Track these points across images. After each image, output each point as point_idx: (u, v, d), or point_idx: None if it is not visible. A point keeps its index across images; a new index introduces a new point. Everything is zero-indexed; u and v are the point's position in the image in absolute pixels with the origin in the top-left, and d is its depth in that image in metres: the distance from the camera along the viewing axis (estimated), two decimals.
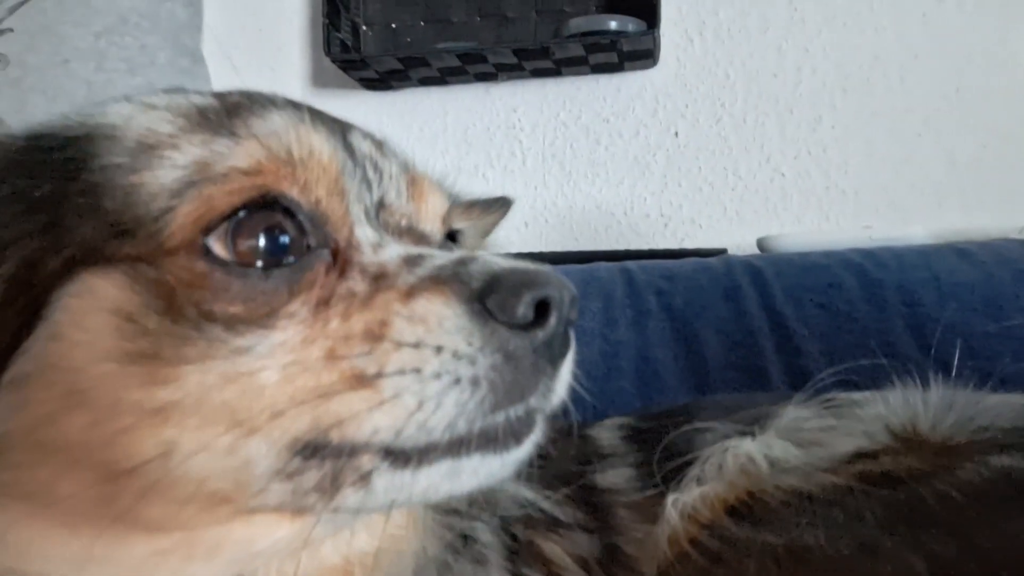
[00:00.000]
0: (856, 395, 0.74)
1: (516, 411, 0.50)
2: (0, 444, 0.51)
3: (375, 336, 0.49)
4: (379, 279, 0.52)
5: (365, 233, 0.55)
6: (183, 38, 2.07)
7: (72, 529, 0.51)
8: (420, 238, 0.59)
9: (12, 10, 2.03)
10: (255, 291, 0.50)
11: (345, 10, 2.29)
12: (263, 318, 0.50)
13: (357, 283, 0.52)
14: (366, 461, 0.48)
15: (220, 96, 0.58)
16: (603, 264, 1.58)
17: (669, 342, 1.36)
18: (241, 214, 0.51)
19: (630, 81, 2.24)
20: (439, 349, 0.48)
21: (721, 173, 2.19)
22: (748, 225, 2.14)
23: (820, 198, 2.14)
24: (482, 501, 0.66)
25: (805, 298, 1.36)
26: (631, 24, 2.05)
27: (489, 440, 0.50)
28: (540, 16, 2.25)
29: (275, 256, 0.52)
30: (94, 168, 0.53)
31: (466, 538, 0.64)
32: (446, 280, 0.50)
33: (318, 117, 0.59)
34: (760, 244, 1.80)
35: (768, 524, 0.57)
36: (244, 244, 0.51)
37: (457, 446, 0.49)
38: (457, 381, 0.48)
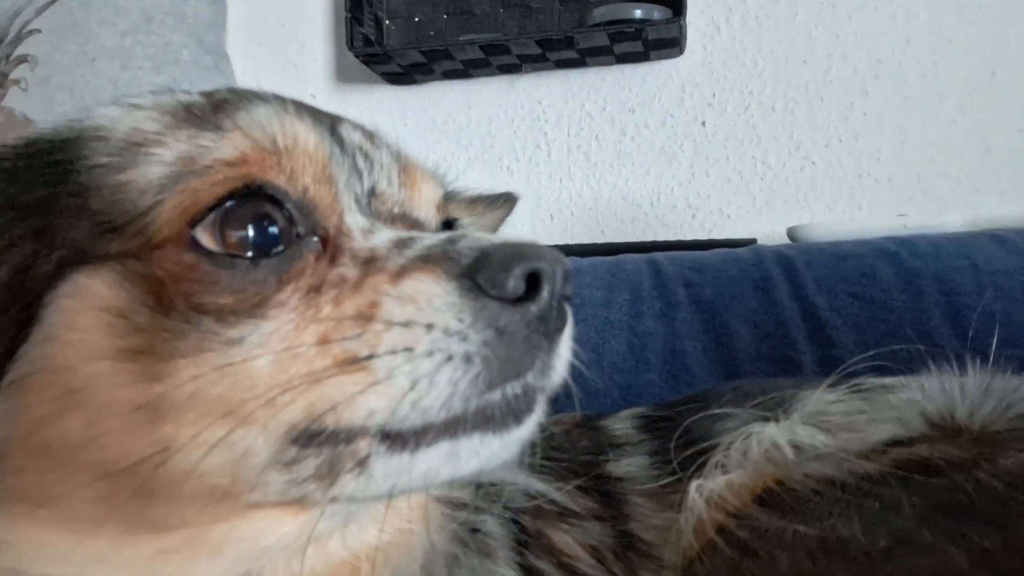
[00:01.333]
0: (886, 380, 0.72)
1: (513, 388, 0.49)
2: (1, 449, 0.51)
3: (366, 318, 0.48)
4: (369, 263, 0.51)
5: (356, 220, 0.55)
6: (207, 35, 2.07)
7: (75, 531, 0.50)
8: (413, 224, 0.59)
9: (40, 11, 2.04)
10: (244, 281, 0.50)
11: (368, 4, 2.28)
12: (254, 308, 0.49)
13: (348, 269, 0.51)
14: (363, 445, 0.48)
15: (207, 94, 0.58)
16: (630, 256, 1.56)
17: (698, 334, 1.34)
18: (228, 204, 0.51)
19: (656, 70, 2.21)
20: (430, 327, 0.47)
21: (750, 162, 2.15)
22: (778, 215, 2.11)
23: (852, 187, 2.09)
24: (491, 493, 0.64)
25: (838, 288, 1.33)
26: (657, 12, 2.02)
27: (487, 419, 0.49)
28: (563, 6, 2.23)
29: (264, 246, 0.51)
30: (82, 169, 0.53)
31: (474, 531, 0.63)
32: (435, 259, 0.50)
33: (304, 109, 0.58)
34: (791, 234, 1.76)
35: (800, 514, 0.55)
36: (232, 235, 0.51)
37: (454, 426, 0.48)
38: (449, 358, 0.47)
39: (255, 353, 0.48)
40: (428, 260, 0.50)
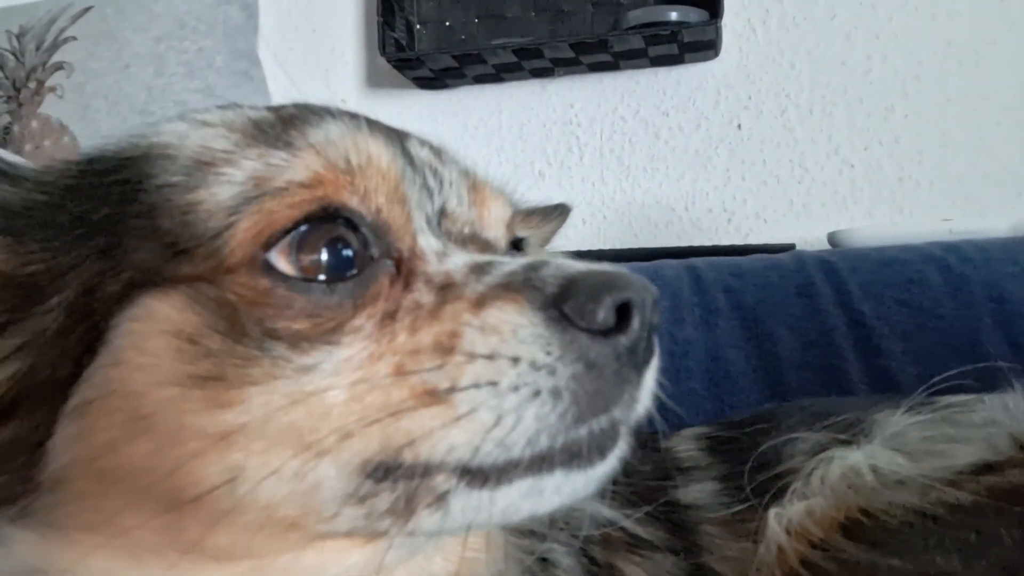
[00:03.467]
0: (965, 398, 0.69)
1: (600, 423, 0.47)
2: (65, 474, 0.50)
3: (446, 349, 0.46)
4: (446, 289, 0.49)
5: (428, 242, 0.53)
6: (239, 41, 2.08)
7: (136, 559, 0.49)
8: (484, 246, 0.57)
9: (75, 18, 2.06)
10: (319, 306, 0.48)
11: (399, 9, 2.27)
12: (328, 334, 0.47)
13: (423, 294, 0.50)
14: (441, 481, 0.46)
15: (275, 109, 0.57)
16: (667, 261, 1.53)
17: (740, 341, 1.31)
18: (303, 228, 0.49)
19: (691, 73, 2.18)
20: (516, 360, 0.45)
21: (787, 166, 2.11)
22: (816, 219, 2.07)
23: (892, 190, 2.05)
24: (560, 522, 0.62)
25: (885, 295, 1.29)
26: (693, 14, 2.00)
27: (572, 455, 0.47)
28: (596, 9, 2.21)
29: (338, 270, 0.49)
30: (150, 189, 0.52)
31: (544, 561, 0.60)
32: (518, 287, 0.47)
33: (376, 125, 0.56)
34: (831, 239, 1.73)
35: (891, 547, 0.52)
36: (307, 258, 0.49)
37: (539, 463, 0.46)
38: (537, 393, 0.45)
39: (329, 382, 0.46)
40: (510, 288, 0.47)
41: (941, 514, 0.53)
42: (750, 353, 1.29)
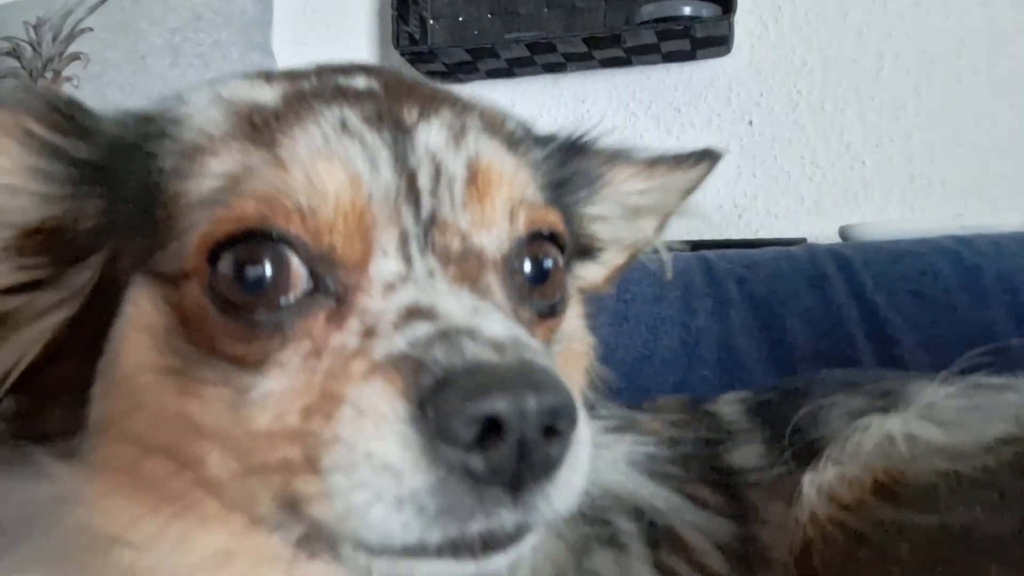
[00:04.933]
0: (1002, 378, 0.69)
1: (477, 526, 0.43)
2: (99, 422, 0.52)
3: (328, 417, 0.44)
4: (367, 336, 0.46)
5: (384, 269, 0.48)
6: (254, 34, 2.09)
7: (155, 508, 0.51)
8: (476, 261, 0.51)
9: (91, 10, 2.07)
10: (251, 334, 0.47)
11: (413, 3, 2.28)
12: (257, 363, 0.47)
13: (350, 337, 0.46)
14: (338, 539, 0.45)
15: (292, 79, 0.55)
16: (679, 253, 1.54)
17: (753, 331, 1.32)
18: (243, 244, 0.48)
19: (702, 69, 2.19)
20: (369, 456, 0.42)
21: (798, 162, 2.12)
22: (827, 216, 2.07)
23: (904, 188, 2.05)
24: (619, 503, 0.62)
25: (898, 286, 1.30)
26: (705, 9, 2.00)
27: (456, 548, 0.44)
28: (609, 4, 2.22)
29: (275, 298, 0.48)
30: (153, 170, 0.52)
31: (606, 525, 0.60)
32: (409, 365, 0.43)
33: (370, 121, 0.52)
34: (843, 233, 1.73)
35: (919, 505, 0.52)
36: (243, 282, 0.47)
37: (411, 551, 0.44)
38: (379, 498, 0.42)
39: (255, 411, 0.46)
40: (402, 364, 0.43)
41: (967, 475, 0.53)
42: (762, 342, 1.30)
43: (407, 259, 0.49)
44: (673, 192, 0.76)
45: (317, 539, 0.46)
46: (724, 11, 1.99)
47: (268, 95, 0.54)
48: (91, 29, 2.04)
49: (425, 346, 0.43)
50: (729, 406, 0.82)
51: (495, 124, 0.59)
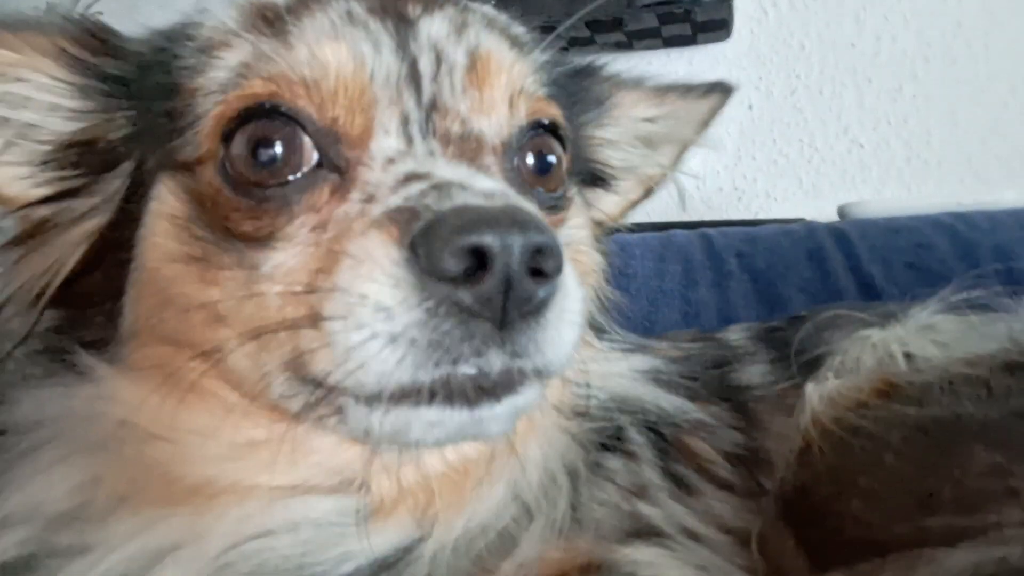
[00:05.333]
0: (1001, 303, 0.71)
1: (465, 369, 0.44)
2: (133, 327, 0.56)
3: (329, 273, 0.46)
4: (368, 202, 0.48)
5: (385, 146, 0.51)
6: None
7: (184, 403, 0.53)
8: (475, 143, 0.53)
9: None
10: (261, 210, 0.50)
11: None
12: (266, 238, 0.50)
13: (353, 206, 0.49)
14: (340, 396, 0.47)
15: None
16: (680, 230, 1.56)
17: (752, 303, 1.34)
18: (253, 123, 0.51)
19: (702, 54, 2.22)
20: (363, 298, 0.44)
21: (797, 145, 2.15)
22: (825, 198, 2.10)
23: (901, 169, 2.08)
24: (620, 406, 0.64)
25: (893, 258, 1.32)
26: None
27: (450, 394, 0.45)
28: None
29: (284, 174, 0.50)
30: (173, 70, 0.55)
31: (618, 437, 0.62)
32: (403, 215, 0.45)
33: (379, 10, 0.55)
34: (841, 212, 1.76)
35: (913, 401, 0.55)
36: (253, 160, 0.50)
37: (408, 396, 0.45)
38: (375, 336, 0.43)
39: (266, 285, 0.49)
40: (396, 215, 0.45)
41: (959, 376, 0.56)
42: (761, 313, 1.32)
43: (408, 139, 0.52)
44: (686, 123, 0.78)
45: (321, 402, 0.48)
46: None
47: None
48: (101, 13, 2.06)
49: (419, 197, 0.46)
50: (736, 333, 0.85)
51: (497, 21, 0.62)
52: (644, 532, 0.55)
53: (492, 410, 0.46)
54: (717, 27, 2.10)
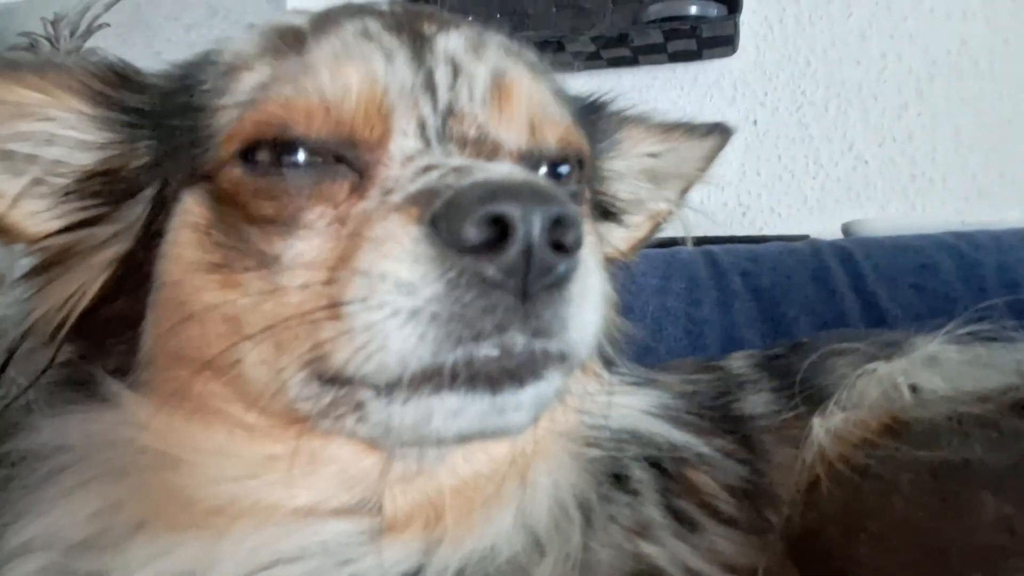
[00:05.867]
0: (1007, 335, 0.71)
1: (487, 350, 0.44)
2: (153, 352, 0.56)
3: (349, 261, 0.46)
4: (387, 194, 0.48)
5: (404, 146, 0.51)
6: None
7: (204, 425, 0.54)
8: (492, 147, 0.53)
9: (108, 6, 2.10)
10: (280, 190, 0.51)
11: (425, 3, 2.31)
12: (288, 222, 0.50)
13: (372, 201, 0.49)
14: (360, 391, 0.47)
15: (318, 15, 0.59)
16: (684, 248, 1.56)
17: (756, 322, 1.34)
18: (271, 144, 0.52)
19: (708, 69, 2.22)
20: (383, 277, 0.44)
21: (802, 161, 2.15)
22: (829, 214, 2.10)
23: (906, 187, 2.08)
24: (628, 439, 0.64)
25: (898, 279, 1.32)
26: (713, 9, 2.03)
27: (471, 379, 0.44)
28: (616, 5, 2.25)
29: (295, 165, 0.51)
30: (197, 93, 0.56)
31: (618, 475, 0.62)
32: (423, 196, 0.45)
33: (394, 27, 0.56)
34: (845, 229, 1.76)
35: (921, 442, 0.55)
36: (275, 169, 0.52)
37: (430, 383, 0.45)
38: (396, 313, 0.43)
39: (285, 278, 0.49)
40: (419, 196, 0.45)
41: (967, 417, 0.55)
42: (765, 333, 1.32)
43: (425, 141, 0.52)
44: (689, 160, 0.79)
45: (340, 400, 0.48)
46: (730, 11, 2.02)
47: (299, 19, 0.58)
48: (108, 25, 2.07)
49: (439, 179, 0.46)
50: (738, 361, 0.85)
51: (513, 44, 0.62)
52: (646, 574, 0.55)
53: (515, 396, 0.46)
54: (723, 43, 2.11)
